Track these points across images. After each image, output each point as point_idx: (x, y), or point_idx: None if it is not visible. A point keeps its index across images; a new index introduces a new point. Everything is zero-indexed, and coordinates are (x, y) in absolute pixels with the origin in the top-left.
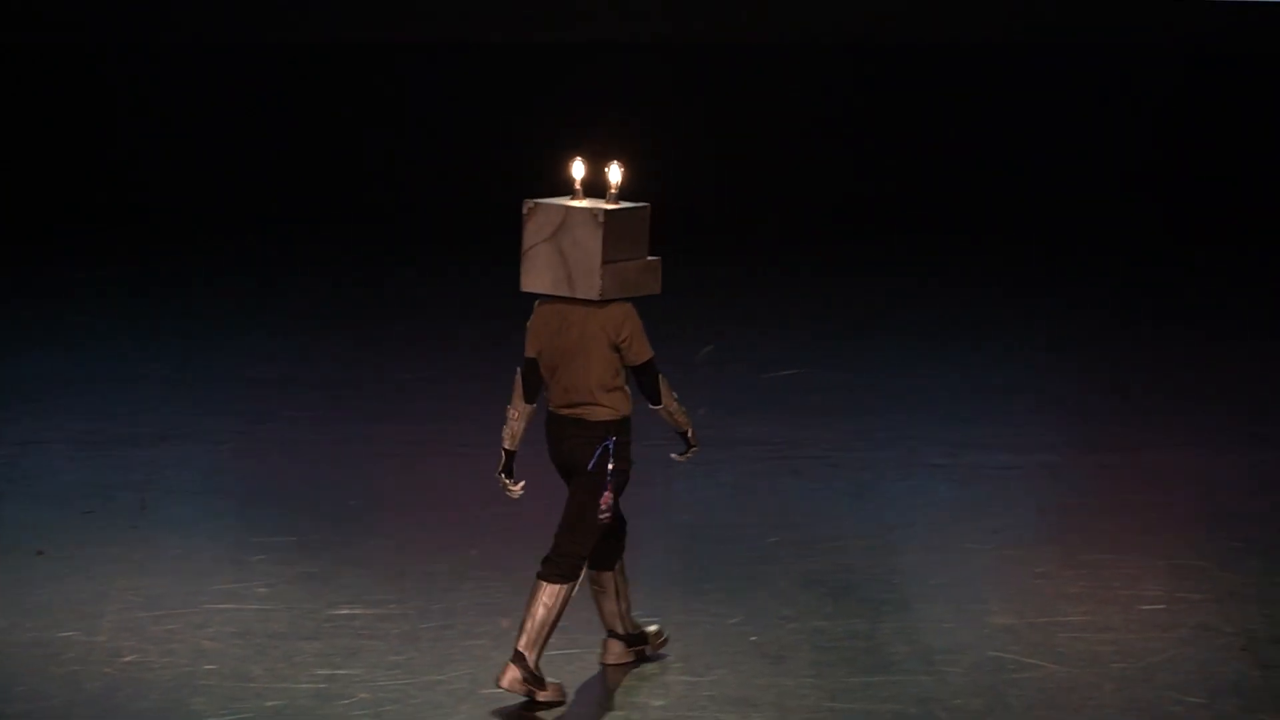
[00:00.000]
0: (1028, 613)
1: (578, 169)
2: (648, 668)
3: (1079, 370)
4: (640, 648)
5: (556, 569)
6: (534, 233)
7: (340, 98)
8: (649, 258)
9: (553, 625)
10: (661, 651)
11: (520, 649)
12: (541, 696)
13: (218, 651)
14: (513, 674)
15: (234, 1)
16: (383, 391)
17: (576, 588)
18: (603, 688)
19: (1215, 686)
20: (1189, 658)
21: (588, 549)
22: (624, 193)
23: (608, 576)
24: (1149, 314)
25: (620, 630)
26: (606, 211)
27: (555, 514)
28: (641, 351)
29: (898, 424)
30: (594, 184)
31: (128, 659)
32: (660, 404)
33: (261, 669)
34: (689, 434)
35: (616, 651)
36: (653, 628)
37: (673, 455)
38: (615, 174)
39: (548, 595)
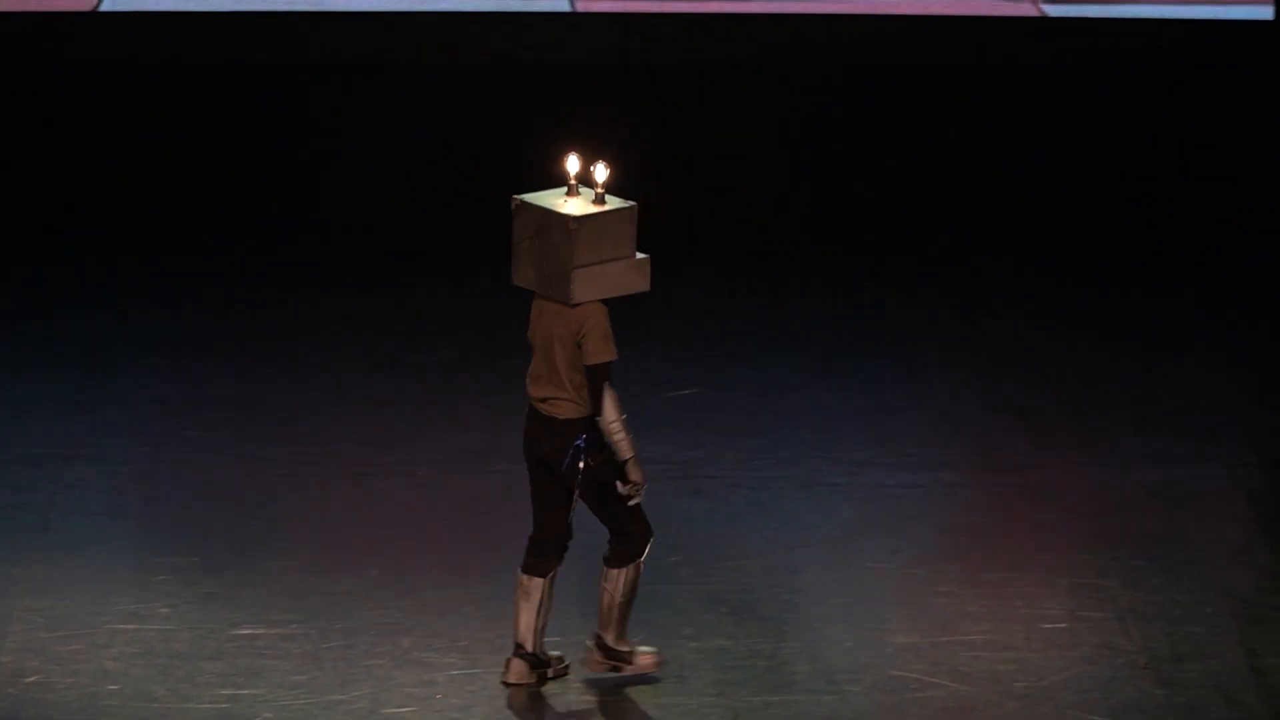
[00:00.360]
0: (929, 631)
1: (572, 164)
2: (549, 687)
3: (982, 390)
4: (543, 670)
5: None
6: (519, 230)
7: (252, 117)
8: (637, 256)
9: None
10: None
11: (598, 631)
12: (628, 670)
13: (121, 672)
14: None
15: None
16: (284, 413)
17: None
18: (502, 709)
19: (1118, 705)
20: (1091, 676)
21: (641, 525)
22: (614, 189)
23: (538, 584)
24: (1058, 333)
25: (529, 647)
26: (578, 218)
27: (461, 535)
28: (595, 352)
29: (799, 443)
30: (589, 180)
31: (31, 679)
32: (600, 415)
33: (164, 689)
34: (626, 465)
35: (520, 671)
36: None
37: (617, 483)
38: (601, 172)
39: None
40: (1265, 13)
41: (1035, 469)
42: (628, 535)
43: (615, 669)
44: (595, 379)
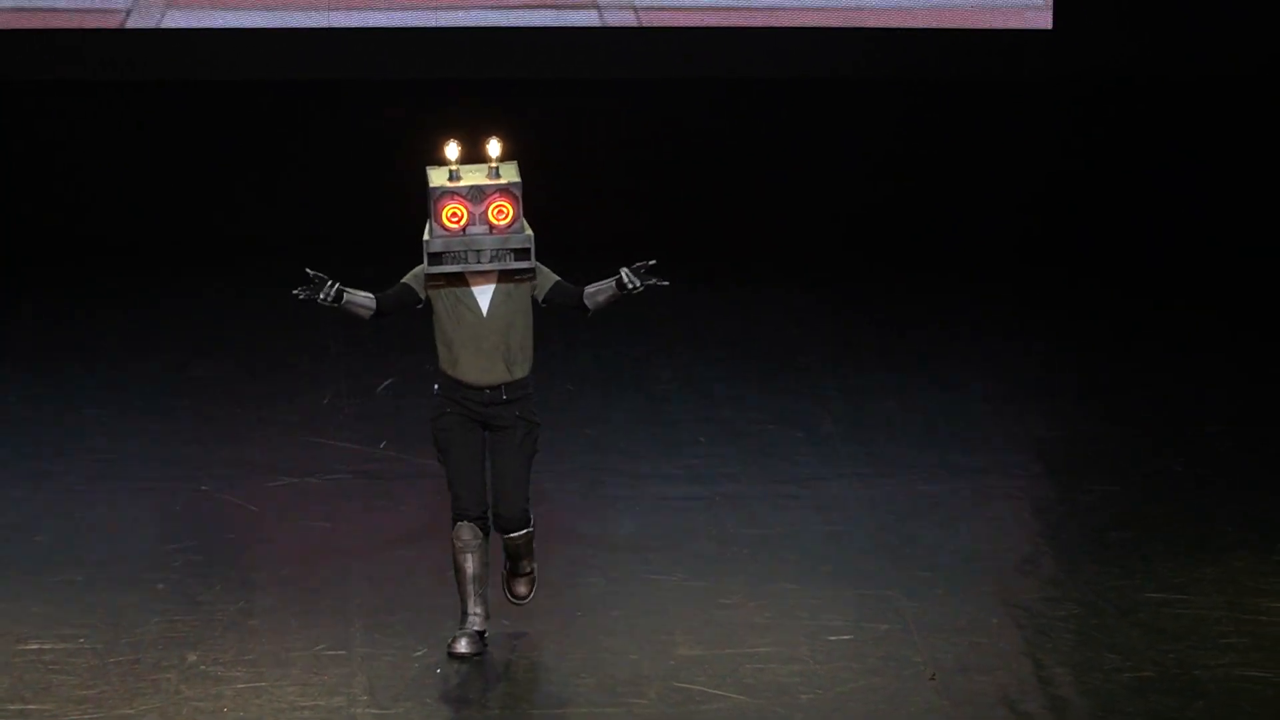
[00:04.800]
0: (713, 643)
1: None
2: (334, 700)
3: (764, 402)
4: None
5: None
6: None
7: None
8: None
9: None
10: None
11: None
12: None
13: None
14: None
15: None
16: (69, 428)
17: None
18: None
19: (905, 717)
20: (878, 688)
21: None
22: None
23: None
24: (838, 345)
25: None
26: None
27: (245, 548)
28: None
29: (580, 455)
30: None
31: None
32: None
33: None
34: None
35: None
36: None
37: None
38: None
39: None
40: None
41: (818, 480)
42: None
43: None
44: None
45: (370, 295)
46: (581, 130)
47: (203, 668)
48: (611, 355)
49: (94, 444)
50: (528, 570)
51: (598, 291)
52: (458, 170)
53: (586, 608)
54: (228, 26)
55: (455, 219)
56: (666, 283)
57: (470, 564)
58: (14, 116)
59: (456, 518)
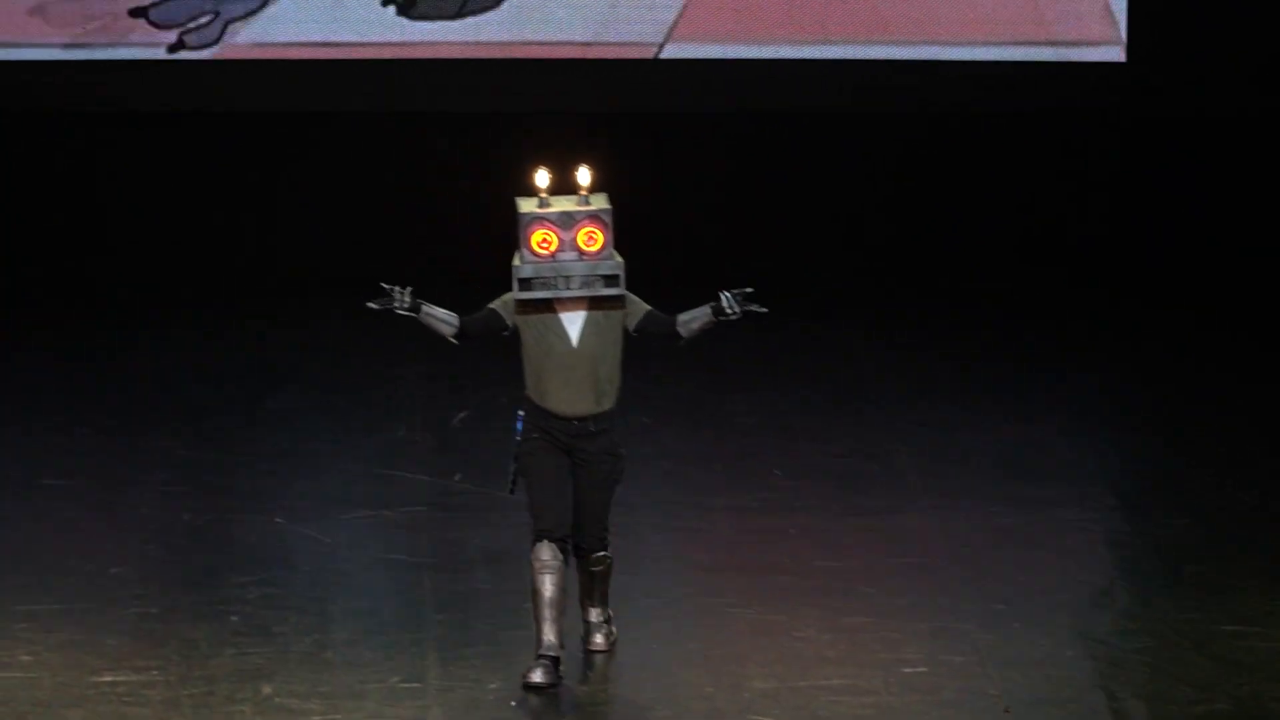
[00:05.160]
0: (788, 676)
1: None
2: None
3: (843, 434)
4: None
5: None
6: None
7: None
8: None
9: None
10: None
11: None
12: None
13: None
14: None
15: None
16: (142, 462)
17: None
18: None
19: None
20: None
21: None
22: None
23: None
24: (917, 378)
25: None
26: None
27: (320, 582)
28: None
29: (656, 488)
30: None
31: None
32: None
33: None
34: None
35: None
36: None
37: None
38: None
39: None
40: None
41: (893, 513)
42: None
43: None
44: None
45: (453, 314)
46: (646, 166)
47: (277, 700)
48: (687, 390)
49: (166, 476)
50: (604, 619)
51: (692, 319)
52: (547, 198)
53: (662, 640)
54: (300, 58)
55: (545, 245)
56: (765, 309)
57: (548, 587)
58: (85, 147)
59: (537, 538)
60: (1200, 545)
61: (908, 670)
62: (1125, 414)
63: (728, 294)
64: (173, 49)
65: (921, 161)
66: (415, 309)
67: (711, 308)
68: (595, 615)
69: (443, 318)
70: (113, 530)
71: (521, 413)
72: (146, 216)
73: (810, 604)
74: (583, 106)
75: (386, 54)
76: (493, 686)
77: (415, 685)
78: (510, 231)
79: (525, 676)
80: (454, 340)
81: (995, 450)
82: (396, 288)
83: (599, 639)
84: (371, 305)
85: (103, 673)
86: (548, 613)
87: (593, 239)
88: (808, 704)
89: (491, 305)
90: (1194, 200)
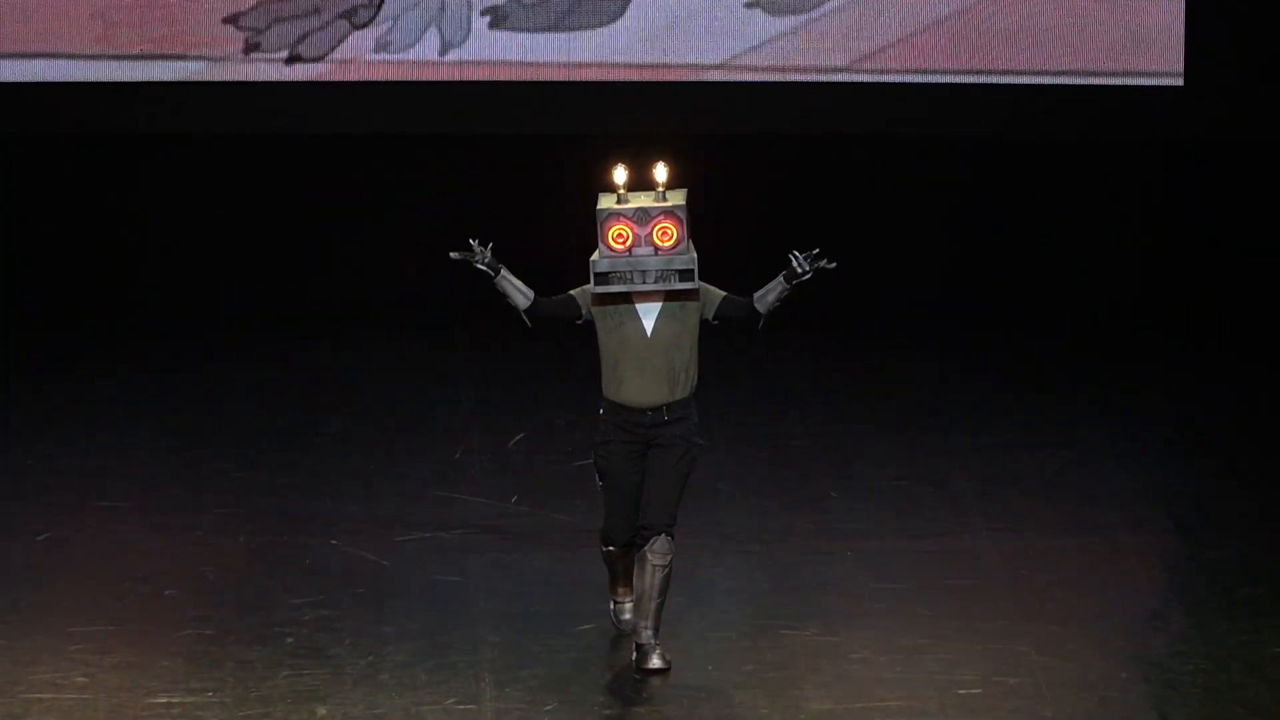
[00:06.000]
0: (844, 698)
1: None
2: None
3: (894, 458)
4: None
5: None
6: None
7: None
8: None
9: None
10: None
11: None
12: None
13: None
14: None
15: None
16: (197, 483)
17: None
18: None
19: None
20: None
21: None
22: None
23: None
24: (971, 401)
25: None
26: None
27: (374, 604)
28: None
29: (708, 509)
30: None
31: None
32: None
33: None
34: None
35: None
36: None
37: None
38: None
39: None
40: None
41: (949, 535)
42: None
43: None
44: None
45: (531, 289)
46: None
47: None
48: (741, 413)
49: (222, 498)
50: (655, 641)
51: (766, 292)
52: (625, 195)
53: (717, 661)
54: (387, 79)
55: (621, 240)
56: (834, 264)
57: (619, 565)
58: (133, 170)
59: (604, 542)
60: (1254, 568)
61: (963, 692)
62: (1179, 437)
63: (796, 254)
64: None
65: (977, 186)
66: (495, 269)
67: (783, 275)
68: (647, 636)
69: (520, 288)
70: (169, 552)
71: (601, 410)
72: (204, 238)
73: (866, 626)
74: (645, 128)
75: (444, 75)
76: (548, 709)
77: (470, 708)
78: (586, 252)
79: (639, 665)
80: (525, 316)
81: (1049, 473)
82: (478, 243)
83: (655, 660)
84: (453, 255)
85: (158, 694)
86: (620, 579)
87: (667, 234)
88: None
89: (571, 292)
90: (1254, 223)
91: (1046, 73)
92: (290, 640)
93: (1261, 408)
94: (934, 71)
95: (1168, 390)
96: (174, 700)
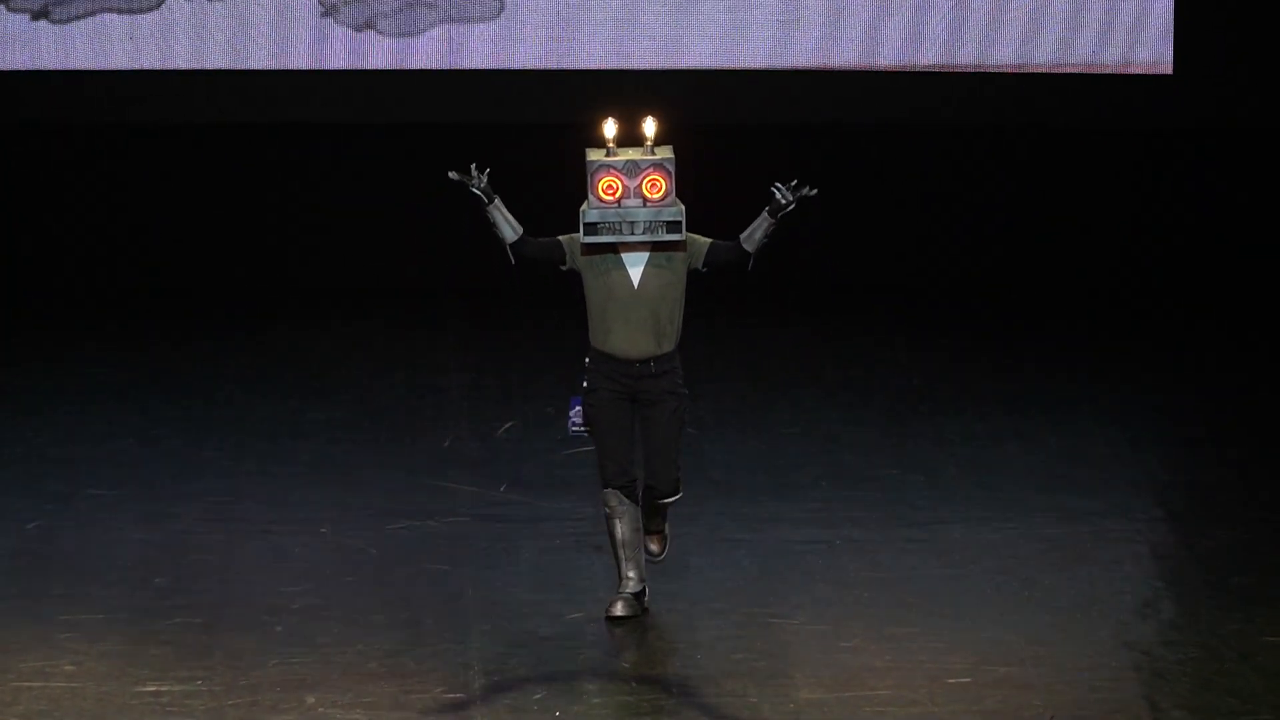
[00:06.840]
0: (834, 686)
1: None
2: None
3: (889, 446)
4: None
5: None
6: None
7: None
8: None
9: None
10: None
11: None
12: None
13: None
14: None
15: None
16: (185, 470)
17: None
18: None
19: None
20: None
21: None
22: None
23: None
24: (961, 390)
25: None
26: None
27: (363, 591)
28: None
29: (700, 499)
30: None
31: None
32: None
33: None
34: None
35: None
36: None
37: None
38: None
39: None
40: None
41: (939, 524)
42: None
43: None
44: None
45: (521, 226)
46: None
47: (320, 710)
48: (732, 401)
49: (211, 485)
50: (661, 529)
51: (752, 230)
52: (615, 149)
53: (707, 650)
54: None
55: (610, 191)
56: (815, 190)
57: (620, 529)
58: (137, 158)
59: (604, 485)
60: (1245, 556)
61: (953, 680)
62: (1170, 426)
63: (779, 186)
64: None
65: (967, 176)
66: (489, 196)
67: (767, 209)
68: (655, 545)
69: (510, 221)
70: (157, 540)
71: (588, 360)
72: (193, 227)
73: (856, 614)
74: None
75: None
76: (537, 697)
77: (459, 696)
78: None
79: (608, 610)
80: (510, 250)
81: (1040, 462)
82: (476, 167)
83: (654, 545)
84: (451, 175)
85: (147, 683)
86: (624, 553)
87: (656, 186)
88: (853, 714)
89: (559, 238)
90: (1245, 213)
91: (1036, 62)
92: (279, 629)
93: (1253, 397)
94: (924, 61)
95: (1158, 379)
96: (162, 689)
